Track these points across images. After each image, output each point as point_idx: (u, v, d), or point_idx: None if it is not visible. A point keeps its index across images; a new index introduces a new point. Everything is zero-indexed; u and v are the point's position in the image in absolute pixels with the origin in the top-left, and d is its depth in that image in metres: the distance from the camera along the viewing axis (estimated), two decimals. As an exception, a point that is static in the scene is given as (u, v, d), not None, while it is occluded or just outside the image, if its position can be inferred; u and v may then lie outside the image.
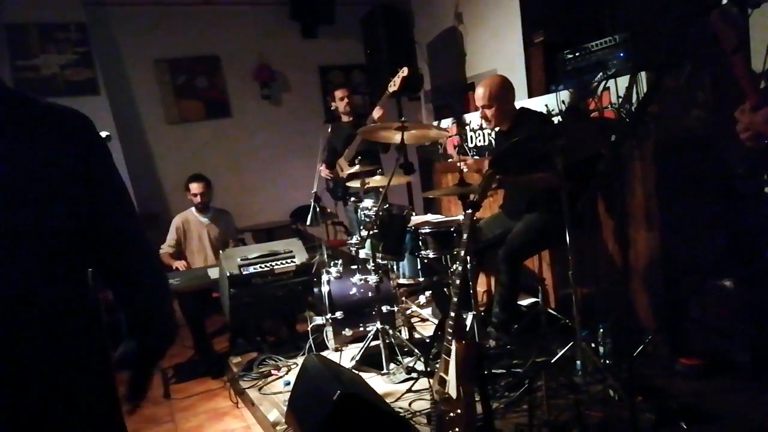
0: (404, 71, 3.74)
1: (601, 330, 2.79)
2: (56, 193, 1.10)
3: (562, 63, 3.54)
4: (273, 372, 3.33)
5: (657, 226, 2.87)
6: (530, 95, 4.18)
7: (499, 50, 4.78)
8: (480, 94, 3.06)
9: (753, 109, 1.59)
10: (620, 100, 3.00)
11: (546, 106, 3.49)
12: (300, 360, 3.26)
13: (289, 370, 3.33)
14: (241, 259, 3.47)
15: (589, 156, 2.70)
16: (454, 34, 5.30)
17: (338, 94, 4.50)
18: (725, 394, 2.47)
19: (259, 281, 3.46)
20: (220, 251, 3.64)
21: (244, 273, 3.43)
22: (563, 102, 3.38)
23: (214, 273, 3.76)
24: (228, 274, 3.39)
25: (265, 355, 3.51)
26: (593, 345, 2.77)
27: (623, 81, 2.99)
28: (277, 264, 3.50)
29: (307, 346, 3.41)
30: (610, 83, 3.07)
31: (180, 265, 4.09)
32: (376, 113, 4.02)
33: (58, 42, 4.95)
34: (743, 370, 2.54)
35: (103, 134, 1.69)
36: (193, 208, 4.27)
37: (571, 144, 2.39)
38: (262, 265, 3.48)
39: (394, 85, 3.80)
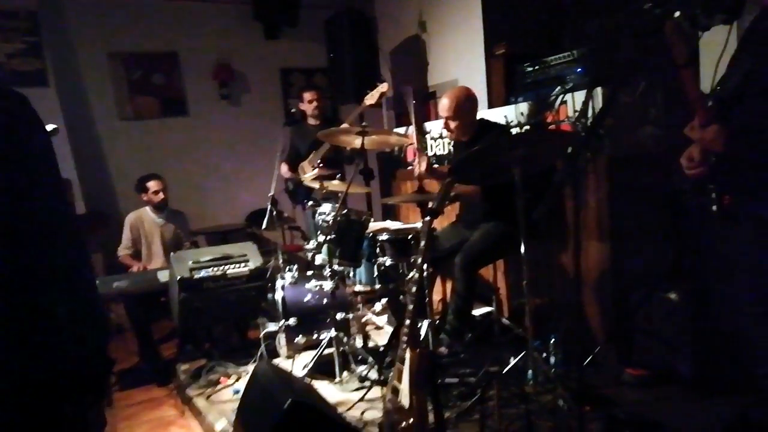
0: (384, 86, 3.72)
1: (553, 340, 2.83)
2: None
3: (522, 75, 3.60)
4: (222, 380, 3.24)
5: (608, 238, 2.94)
6: (490, 106, 4.23)
7: (461, 60, 4.82)
8: (445, 105, 3.06)
9: (702, 126, 1.64)
10: (577, 113, 3.07)
11: (505, 117, 3.54)
12: (251, 367, 3.17)
13: (238, 378, 3.24)
14: (193, 262, 3.36)
15: (545, 167, 2.75)
16: (417, 43, 5.33)
17: (307, 95, 4.44)
18: (669, 404, 2.54)
19: (211, 285, 3.36)
20: (171, 253, 3.52)
21: (196, 276, 3.32)
22: (522, 114, 3.43)
23: (163, 276, 3.64)
24: (178, 278, 3.28)
25: (214, 362, 3.41)
26: (544, 355, 2.81)
27: (580, 95, 3.05)
28: (230, 268, 3.41)
29: (258, 354, 3.33)
30: (568, 97, 3.13)
31: (139, 266, 3.95)
32: (348, 122, 3.96)
33: (5, 30, 4.73)
34: (685, 380, 2.62)
35: (50, 127, 1.58)
36: (147, 207, 4.14)
37: (529, 155, 2.41)
38: (215, 269, 3.38)
39: (371, 98, 3.76)
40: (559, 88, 3.21)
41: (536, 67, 3.50)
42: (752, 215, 1.69)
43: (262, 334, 3.40)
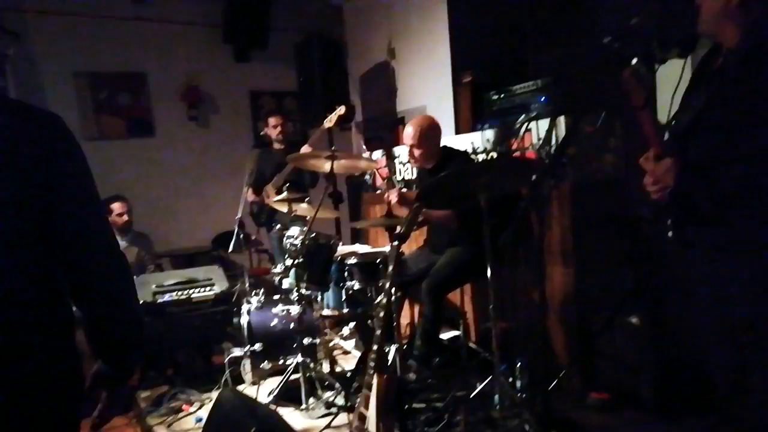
0: (341, 110, 3.76)
1: (519, 364, 2.85)
2: (10, 197, 1.04)
3: (488, 103, 3.69)
4: (184, 407, 3.15)
5: (572, 263, 3.00)
6: (457, 132, 4.31)
7: (429, 87, 4.91)
8: (410, 133, 3.10)
9: (656, 158, 1.71)
10: (540, 141, 3.15)
11: (472, 143, 3.60)
12: (214, 394, 3.10)
13: (201, 405, 3.16)
14: (157, 286, 3.30)
15: (511, 193, 2.80)
16: (387, 69, 5.41)
17: (272, 121, 4.46)
18: (631, 427, 2.58)
19: (175, 310, 3.30)
20: (134, 277, 3.44)
21: (159, 301, 3.26)
22: (488, 140, 3.50)
23: (125, 300, 3.54)
24: (141, 302, 3.20)
25: (176, 389, 3.31)
26: (511, 379, 2.83)
27: (544, 124, 3.14)
28: (195, 292, 3.35)
29: (222, 380, 3.26)
30: (532, 125, 3.22)
31: None
32: (305, 149, 3.98)
33: (-34, 47, 4.62)
34: (647, 403, 2.66)
35: None
36: (110, 230, 4.05)
37: (495, 181, 2.46)
38: (179, 293, 3.32)
39: (330, 122, 3.79)
40: (523, 116, 3.29)
41: (502, 96, 3.59)
42: (705, 243, 1.76)
43: (226, 360, 3.34)
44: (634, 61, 1.71)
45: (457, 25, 4.59)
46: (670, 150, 1.71)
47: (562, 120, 3.02)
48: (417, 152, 3.11)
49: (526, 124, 3.25)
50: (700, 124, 1.71)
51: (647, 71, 1.76)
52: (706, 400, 2.17)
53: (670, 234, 1.76)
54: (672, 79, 2.01)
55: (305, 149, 3.96)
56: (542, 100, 3.32)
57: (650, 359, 2.68)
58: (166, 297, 3.29)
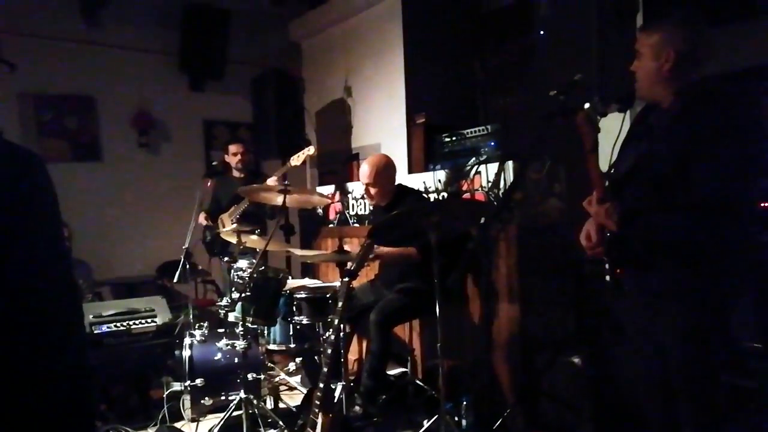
0: (310, 150, 3.78)
1: (464, 402, 2.87)
2: None
3: (440, 145, 3.80)
4: (118, 445, 3.00)
5: (518, 303, 3.08)
6: (410, 171, 4.40)
7: (383, 126, 5.02)
8: (365, 172, 3.17)
9: (599, 201, 1.81)
10: (489, 184, 3.26)
11: (424, 182, 3.69)
12: (150, 431, 2.97)
13: (136, 443, 3.01)
14: (94, 317, 3.17)
15: (460, 233, 2.87)
16: (343, 106, 5.50)
17: (232, 148, 4.42)
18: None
19: (113, 342, 3.16)
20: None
21: (96, 332, 3.12)
22: (440, 181, 3.59)
23: (59, 330, 3.38)
24: (76, 333, 3.07)
25: (110, 425, 3.14)
26: (456, 418, 2.84)
27: (493, 167, 3.26)
28: (135, 323, 3.24)
29: (160, 416, 3.12)
30: (482, 168, 3.33)
31: None
32: (271, 182, 3.95)
33: None
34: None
35: None
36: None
37: (445, 221, 2.52)
38: (118, 324, 3.20)
39: (297, 159, 3.79)
40: (474, 159, 3.41)
41: (453, 138, 3.71)
42: (641, 289, 1.86)
43: (165, 395, 3.21)
44: (587, 105, 1.81)
45: (413, 68, 4.74)
46: (611, 195, 1.82)
47: (510, 165, 3.15)
48: (373, 190, 3.17)
49: (476, 167, 3.36)
50: (635, 174, 1.84)
51: (596, 117, 1.88)
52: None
53: (607, 278, 1.85)
54: (612, 132, 2.15)
55: (272, 181, 3.92)
56: (492, 144, 3.44)
57: (590, 399, 2.76)
58: (104, 328, 3.16)
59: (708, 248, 1.71)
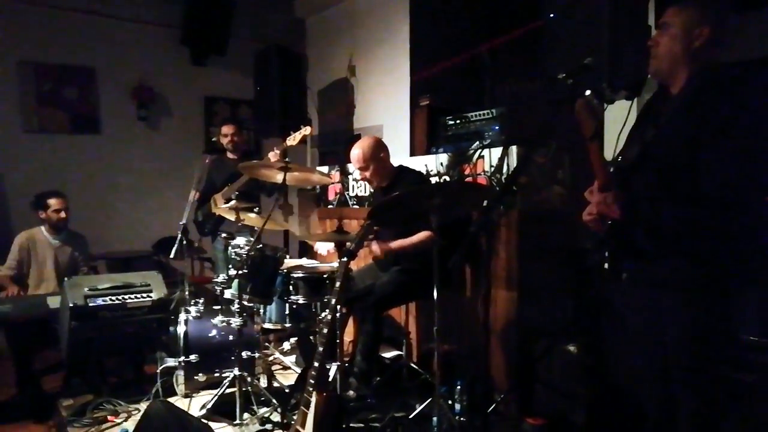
0: (306, 130, 3.72)
1: (459, 387, 2.86)
2: None
3: (444, 128, 3.75)
4: (110, 418, 2.99)
5: (516, 290, 3.06)
6: (412, 154, 4.36)
7: (387, 107, 4.96)
8: (355, 157, 3.13)
9: (600, 190, 1.77)
10: (492, 168, 3.22)
11: (426, 165, 3.65)
12: (144, 406, 2.96)
13: (128, 417, 3.01)
14: (89, 289, 3.14)
15: (461, 217, 2.84)
16: (346, 86, 5.43)
17: (225, 129, 4.37)
18: (564, 454, 2.63)
19: (108, 315, 3.14)
20: (65, 278, 3.26)
21: (91, 305, 3.10)
22: (442, 164, 3.55)
23: (54, 302, 3.36)
24: (71, 305, 3.04)
25: (103, 398, 3.15)
26: (450, 402, 2.83)
27: (497, 152, 3.21)
28: (130, 297, 3.21)
29: (153, 391, 3.12)
30: (485, 152, 3.29)
31: (13, 291, 3.62)
32: (273, 157, 3.90)
33: None
34: (580, 428, 2.72)
35: None
36: (42, 227, 3.85)
37: (447, 204, 2.49)
38: (113, 298, 3.17)
39: (293, 140, 3.74)
40: (477, 143, 3.37)
41: (457, 122, 3.66)
42: (643, 278, 1.83)
43: (159, 370, 3.20)
44: (588, 92, 1.76)
45: (418, 50, 4.67)
46: (614, 183, 1.77)
47: (514, 149, 3.10)
48: (367, 174, 3.14)
49: (479, 150, 3.32)
50: (644, 160, 1.79)
51: (599, 104, 1.83)
52: (636, 430, 2.24)
53: (606, 266, 1.82)
54: (618, 120, 2.11)
55: (272, 156, 3.87)
56: (496, 129, 3.40)
57: (585, 387, 2.75)
58: (99, 301, 3.14)
59: (713, 239, 1.68)
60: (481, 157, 3.30)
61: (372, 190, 3.96)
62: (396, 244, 3.01)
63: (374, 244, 3.06)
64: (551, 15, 3.04)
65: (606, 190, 1.75)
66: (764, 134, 1.65)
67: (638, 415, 1.99)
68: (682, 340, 1.76)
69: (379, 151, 3.14)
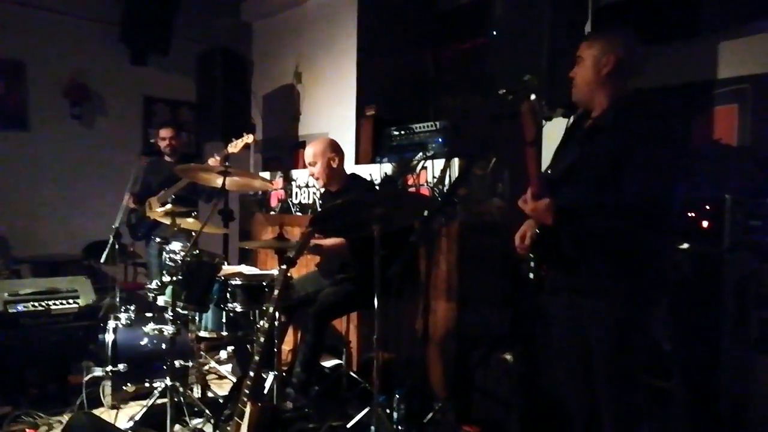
0: (249, 138, 3.65)
1: (397, 396, 2.87)
2: None
3: (389, 138, 3.78)
4: (28, 431, 2.81)
5: (455, 299, 3.10)
6: (357, 162, 4.36)
7: (332, 115, 4.95)
8: (308, 152, 3.15)
9: (534, 198, 1.84)
10: (435, 180, 3.27)
11: (370, 175, 3.66)
12: (66, 418, 2.80)
13: (49, 430, 2.84)
14: (9, 295, 2.97)
15: (403, 227, 2.86)
16: (291, 92, 5.39)
17: (162, 132, 4.24)
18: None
19: (30, 322, 2.98)
20: (-17, 283, 3.07)
21: (11, 311, 2.93)
22: (386, 173, 3.58)
23: (-31, 308, 3.14)
24: (-11, 311, 2.86)
25: (21, 410, 2.95)
26: (388, 411, 2.83)
27: (439, 163, 3.27)
28: (55, 303, 3.06)
29: (78, 402, 2.96)
30: (428, 163, 3.33)
31: None
32: (212, 162, 3.80)
33: None
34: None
35: None
36: (-44, 228, 3.60)
37: (389, 214, 2.50)
38: (36, 304, 3.01)
39: (234, 147, 3.66)
40: (421, 154, 3.41)
41: (402, 132, 3.70)
42: (564, 285, 1.91)
43: (85, 380, 3.04)
44: (533, 97, 1.87)
45: (365, 60, 4.70)
46: (546, 192, 1.85)
47: (456, 161, 3.16)
48: (315, 170, 3.13)
49: (422, 162, 3.36)
50: (570, 176, 1.89)
51: (541, 111, 1.93)
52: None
53: (531, 276, 1.88)
54: (554, 137, 2.20)
55: (212, 161, 3.77)
56: (439, 140, 3.46)
57: (519, 395, 2.82)
58: (20, 307, 2.97)
59: (632, 248, 1.79)
60: (424, 168, 3.35)
61: (320, 195, 3.94)
62: (324, 242, 3.00)
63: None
64: (494, 32, 3.14)
65: (539, 197, 1.81)
66: (674, 152, 1.83)
67: (568, 421, 2.06)
68: (602, 346, 1.84)
69: (330, 150, 3.14)
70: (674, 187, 1.86)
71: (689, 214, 2.42)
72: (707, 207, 2.37)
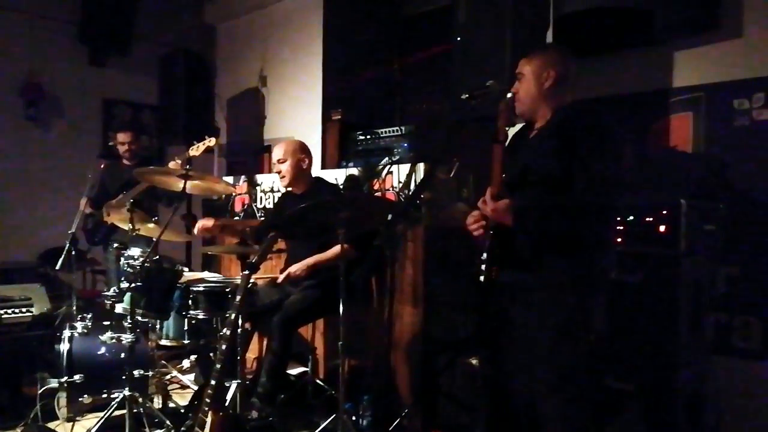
0: (210, 141, 3.59)
1: (364, 402, 2.85)
2: None
3: (354, 142, 3.78)
4: (-24, 448, 2.70)
5: (421, 304, 3.10)
6: (323, 167, 4.34)
7: (298, 120, 4.92)
8: (278, 149, 3.14)
9: (494, 198, 1.88)
10: (400, 184, 3.28)
11: (336, 179, 3.64)
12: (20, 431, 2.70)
13: (0, 445, 2.73)
14: (-43, 304, 2.83)
15: (368, 232, 2.85)
16: (256, 95, 5.34)
17: (121, 137, 4.14)
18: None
19: (-21, 332, 2.85)
20: (-71, 292, 2.93)
21: (-42, 321, 2.80)
22: (350, 175, 3.57)
23: None
24: (-66, 321, 2.73)
25: (-31, 425, 2.83)
26: (354, 417, 2.81)
27: (405, 168, 3.27)
28: (7, 312, 2.94)
29: (32, 415, 2.85)
30: (394, 168, 3.34)
31: None
32: (173, 165, 3.72)
33: None
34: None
35: None
36: None
37: (354, 218, 2.49)
38: (-14, 313, 2.88)
39: (196, 150, 3.59)
40: (386, 158, 3.42)
41: (368, 137, 3.70)
42: (515, 285, 1.94)
43: (39, 392, 2.93)
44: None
45: (331, 64, 4.69)
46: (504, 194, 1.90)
47: (421, 166, 3.17)
48: (283, 167, 3.11)
49: (388, 166, 3.36)
50: (521, 181, 1.98)
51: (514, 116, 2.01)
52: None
53: (481, 278, 1.90)
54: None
55: (173, 164, 3.68)
56: (405, 145, 3.47)
57: (484, 399, 2.83)
58: (-31, 317, 2.85)
59: (576, 245, 1.89)
60: (390, 172, 3.35)
61: (285, 194, 3.90)
62: (313, 260, 2.97)
63: (293, 268, 2.99)
64: (458, 38, 3.16)
65: (499, 198, 1.86)
66: (612, 156, 1.93)
67: (534, 425, 2.08)
68: (546, 344, 1.91)
69: (301, 152, 3.14)
70: (615, 186, 1.95)
71: (647, 219, 2.47)
72: (664, 212, 2.43)
